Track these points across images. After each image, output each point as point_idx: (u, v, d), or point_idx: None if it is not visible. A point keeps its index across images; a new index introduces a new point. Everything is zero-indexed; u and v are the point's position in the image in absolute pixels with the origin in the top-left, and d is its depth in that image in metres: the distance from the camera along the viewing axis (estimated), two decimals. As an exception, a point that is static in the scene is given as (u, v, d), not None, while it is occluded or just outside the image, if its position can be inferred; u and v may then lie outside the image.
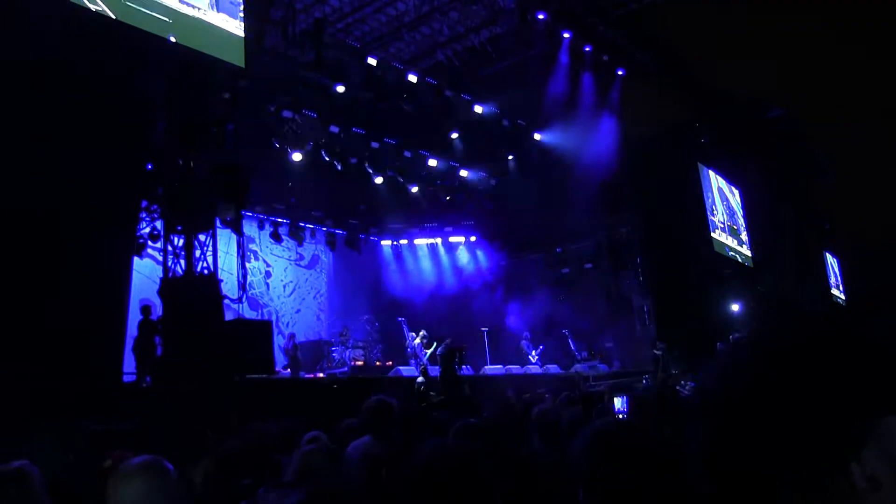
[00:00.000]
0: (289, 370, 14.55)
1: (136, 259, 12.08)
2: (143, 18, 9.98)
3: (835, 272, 36.35)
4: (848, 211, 35.49)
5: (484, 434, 3.86)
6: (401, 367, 14.92)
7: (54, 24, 9.10)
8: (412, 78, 16.59)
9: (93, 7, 9.38)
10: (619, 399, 5.49)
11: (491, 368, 16.28)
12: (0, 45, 8.52)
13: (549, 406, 5.00)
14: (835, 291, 35.43)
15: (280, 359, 16.17)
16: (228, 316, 12.10)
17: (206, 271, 11.58)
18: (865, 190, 34.66)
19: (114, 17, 9.61)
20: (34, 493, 2.49)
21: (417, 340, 15.60)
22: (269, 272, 18.65)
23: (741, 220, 25.45)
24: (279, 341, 17.33)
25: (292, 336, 16.14)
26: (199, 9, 10.81)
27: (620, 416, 5.22)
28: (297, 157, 15.87)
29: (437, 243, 21.44)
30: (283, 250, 18.98)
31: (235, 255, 12.94)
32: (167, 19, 10.27)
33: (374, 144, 16.99)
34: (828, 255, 35.38)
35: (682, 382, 13.20)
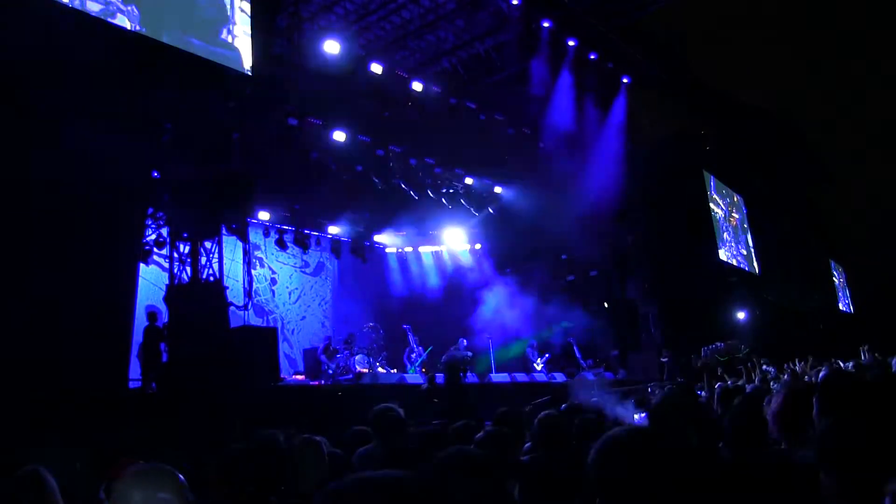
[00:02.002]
0: (308, 377, 14.54)
1: (142, 266, 12.11)
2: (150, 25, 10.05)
3: (841, 281, 36.24)
4: (853, 219, 35.44)
5: (491, 441, 3.86)
6: (406, 375, 14.90)
7: (63, 31, 9.15)
8: (417, 85, 16.62)
9: (109, 20, 9.45)
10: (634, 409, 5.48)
11: (496, 376, 16.24)
12: (10, 52, 8.56)
13: (553, 413, 4.99)
14: (841, 301, 35.34)
15: (285, 366, 16.18)
16: (234, 323, 12.12)
17: (211, 278, 11.61)
18: (871, 198, 34.59)
19: (128, 27, 9.67)
20: (49, 495, 2.50)
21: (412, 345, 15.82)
22: (274, 279, 18.67)
23: (746, 228, 25.41)
24: (285, 348, 17.33)
25: (329, 339, 16.09)
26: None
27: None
28: (302, 164, 15.89)
29: (441, 251, 21.45)
30: (289, 257, 19.00)
31: (241, 262, 12.99)
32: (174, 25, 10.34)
33: (380, 152, 17.01)
34: (833, 263, 35.30)
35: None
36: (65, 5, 9.08)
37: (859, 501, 1.85)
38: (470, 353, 15.77)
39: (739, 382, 11.39)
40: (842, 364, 11.04)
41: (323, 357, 15.32)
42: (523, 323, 18.41)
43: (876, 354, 13.31)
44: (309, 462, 3.54)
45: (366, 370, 15.20)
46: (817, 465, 1.99)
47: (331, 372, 14.87)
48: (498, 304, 18.76)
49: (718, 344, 17.26)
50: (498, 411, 5.02)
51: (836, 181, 32.96)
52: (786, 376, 9.78)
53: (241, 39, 11.42)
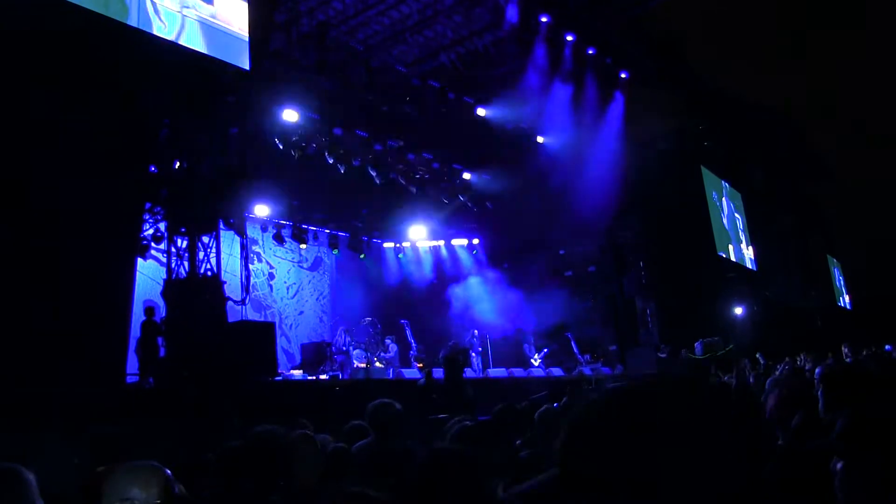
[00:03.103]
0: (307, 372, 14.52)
1: (139, 260, 12.10)
2: (148, 22, 10.02)
3: (840, 277, 36.28)
4: (853, 216, 35.48)
5: (484, 436, 3.86)
6: (403, 370, 14.91)
7: (59, 26, 9.13)
8: (415, 81, 16.60)
9: (101, 12, 9.41)
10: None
11: (494, 371, 16.27)
12: (5, 48, 8.53)
13: (551, 408, 5.00)
14: (840, 296, 35.36)
15: (283, 361, 16.17)
16: (232, 317, 12.11)
17: (209, 273, 11.59)
18: (868, 194, 34.62)
19: (121, 20, 9.64)
20: (28, 494, 2.47)
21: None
22: (272, 274, 18.67)
23: (744, 224, 25.42)
24: (282, 343, 17.34)
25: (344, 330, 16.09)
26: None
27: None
28: (299, 159, 15.87)
29: (439, 246, 21.44)
30: (287, 252, 18.99)
31: (239, 256, 12.96)
32: (174, 21, 10.31)
33: (377, 147, 16.99)
34: (832, 259, 35.32)
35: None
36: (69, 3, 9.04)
37: (880, 490, 1.85)
38: (476, 342, 15.85)
39: (727, 379, 11.42)
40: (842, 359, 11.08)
41: (350, 348, 15.39)
42: (520, 318, 18.44)
43: (873, 348, 13.36)
44: (307, 457, 3.54)
45: (363, 365, 15.22)
46: (838, 456, 1.98)
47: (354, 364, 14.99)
48: (495, 299, 18.78)
49: (699, 342, 17.28)
50: (495, 408, 5.02)
51: (834, 177, 32.99)
52: (765, 376, 9.79)
53: (238, 33, 11.39)
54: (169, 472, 2.44)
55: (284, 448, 3.55)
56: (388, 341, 16.22)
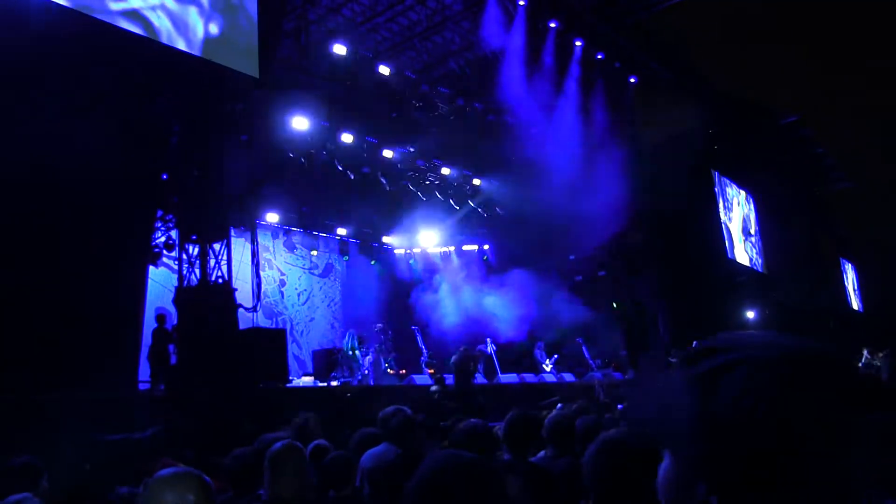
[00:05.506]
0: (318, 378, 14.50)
1: (151, 268, 12.15)
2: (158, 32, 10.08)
3: (852, 279, 36.03)
4: (864, 218, 35.24)
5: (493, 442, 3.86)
6: (414, 376, 14.89)
7: (73, 35, 9.19)
8: (424, 87, 16.64)
9: (116, 23, 9.47)
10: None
11: (505, 377, 16.23)
12: (19, 56, 8.60)
13: (562, 413, 4.98)
14: (852, 299, 35.13)
15: (294, 367, 16.19)
16: (243, 324, 12.14)
17: (220, 280, 11.62)
18: (882, 196, 34.39)
19: (135, 30, 9.70)
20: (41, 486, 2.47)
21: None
22: (283, 281, 18.70)
23: (755, 227, 25.31)
24: (293, 349, 17.37)
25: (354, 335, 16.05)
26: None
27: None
28: (309, 166, 15.92)
29: (450, 252, 21.43)
30: (297, 259, 19.03)
31: (250, 263, 12.99)
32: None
33: (387, 153, 17.02)
34: (844, 262, 35.09)
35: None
36: (77, 11, 9.11)
37: None
38: (490, 349, 15.82)
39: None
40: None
41: (359, 354, 15.39)
42: (531, 323, 18.40)
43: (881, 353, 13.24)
44: (289, 468, 3.52)
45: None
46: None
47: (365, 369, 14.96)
48: (504, 305, 18.75)
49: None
50: (509, 415, 5.00)
51: (845, 179, 32.79)
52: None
53: (248, 41, 11.44)
54: (208, 479, 2.39)
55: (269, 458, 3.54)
56: (370, 352, 16.16)
